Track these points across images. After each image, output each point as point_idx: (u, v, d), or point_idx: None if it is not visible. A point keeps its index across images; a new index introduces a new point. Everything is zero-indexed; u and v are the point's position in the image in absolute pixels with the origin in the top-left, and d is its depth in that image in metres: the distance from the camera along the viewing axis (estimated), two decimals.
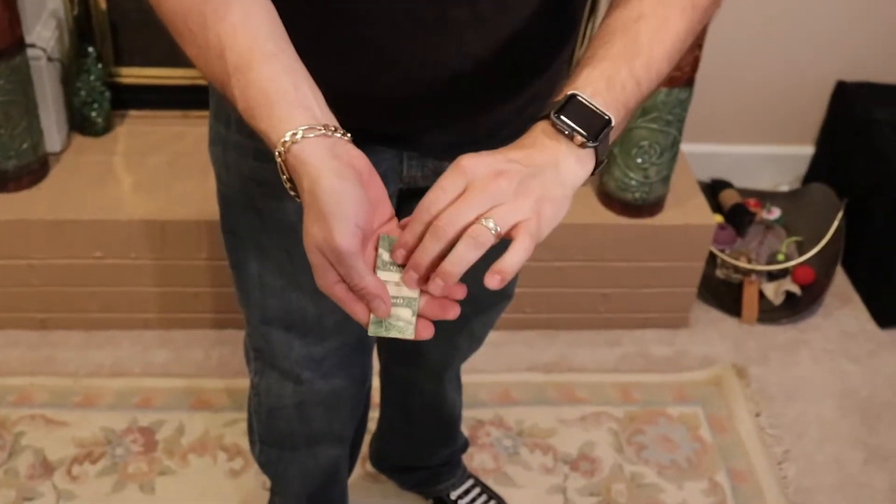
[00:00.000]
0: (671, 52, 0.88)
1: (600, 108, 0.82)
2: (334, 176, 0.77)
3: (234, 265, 1.23)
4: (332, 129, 0.80)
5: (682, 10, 0.88)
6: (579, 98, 0.82)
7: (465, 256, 0.76)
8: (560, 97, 0.82)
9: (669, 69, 0.89)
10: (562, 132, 0.81)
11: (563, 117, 0.81)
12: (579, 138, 0.80)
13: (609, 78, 0.83)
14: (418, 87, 0.99)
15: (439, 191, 0.78)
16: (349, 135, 0.81)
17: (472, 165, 0.78)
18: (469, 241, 0.76)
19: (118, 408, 1.99)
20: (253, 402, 1.42)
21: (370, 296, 0.79)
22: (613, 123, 0.82)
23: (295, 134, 0.78)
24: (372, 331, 0.80)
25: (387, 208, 0.83)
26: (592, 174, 0.84)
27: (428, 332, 0.82)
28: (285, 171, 0.81)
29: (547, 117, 0.82)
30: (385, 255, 0.80)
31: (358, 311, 0.80)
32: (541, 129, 0.82)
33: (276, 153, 0.80)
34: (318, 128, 0.79)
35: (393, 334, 0.80)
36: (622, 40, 0.86)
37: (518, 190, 0.77)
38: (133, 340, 2.14)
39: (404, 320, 0.80)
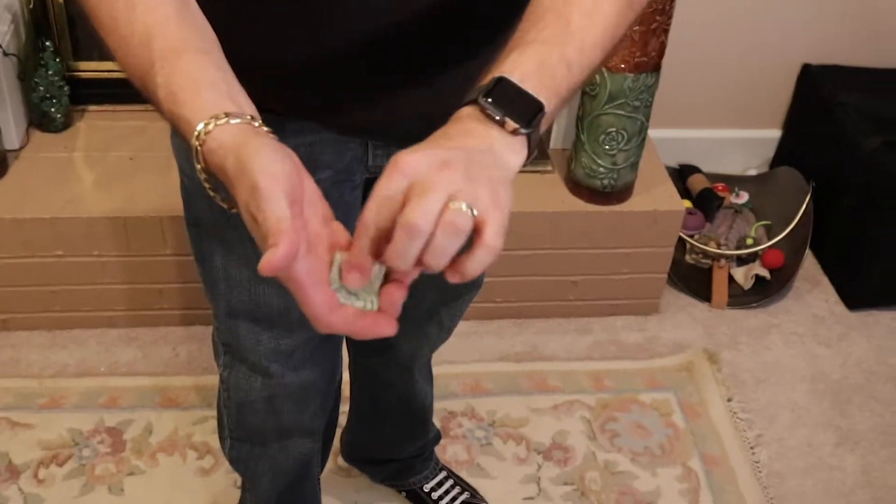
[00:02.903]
0: (603, 39, 0.83)
1: (531, 92, 0.76)
2: (262, 143, 0.72)
3: (198, 258, 1.21)
4: (259, 122, 0.75)
5: None
6: (508, 80, 0.76)
7: (448, 247, 0.68)
8: (487, 80, 0.77)
9: (602, 58, 0.84)
10: (492, 118, 0.74)
11: (492, 101, 0.75)
12: (511, 124, 0.74)
13: (539, 62, 0.78)
14: (370, 57, 0.96)
15: (381, 199, 0.69)
16: (275, 135, 0.76)
17: (411, 162, 0.69)
18: (448, 227, 0.67)
19: (84, 408, 1.95)
20: (222, 396, 1.41)
21: (278, 234, 0.68)
22: (546, 109, 0.77)
23: (218, 117, 0.74)
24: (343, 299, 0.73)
25: (323, 206, 0.75)
26: (524, 165, 0.77)
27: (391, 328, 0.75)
28: (201, 160, 0.75)
29: (474, 102, 0.75)
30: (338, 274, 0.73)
31: (312, 295, 0.71)
32: (468, 115, 0.75)
33: (195, 136, 0.74)
34: (246, 117, 0.75)
35: (357, 305, 0.74)
36: (553, 24, 0.80)
37: (468, 176, 0.69)
38: (98, 339, 2.10)
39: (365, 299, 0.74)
